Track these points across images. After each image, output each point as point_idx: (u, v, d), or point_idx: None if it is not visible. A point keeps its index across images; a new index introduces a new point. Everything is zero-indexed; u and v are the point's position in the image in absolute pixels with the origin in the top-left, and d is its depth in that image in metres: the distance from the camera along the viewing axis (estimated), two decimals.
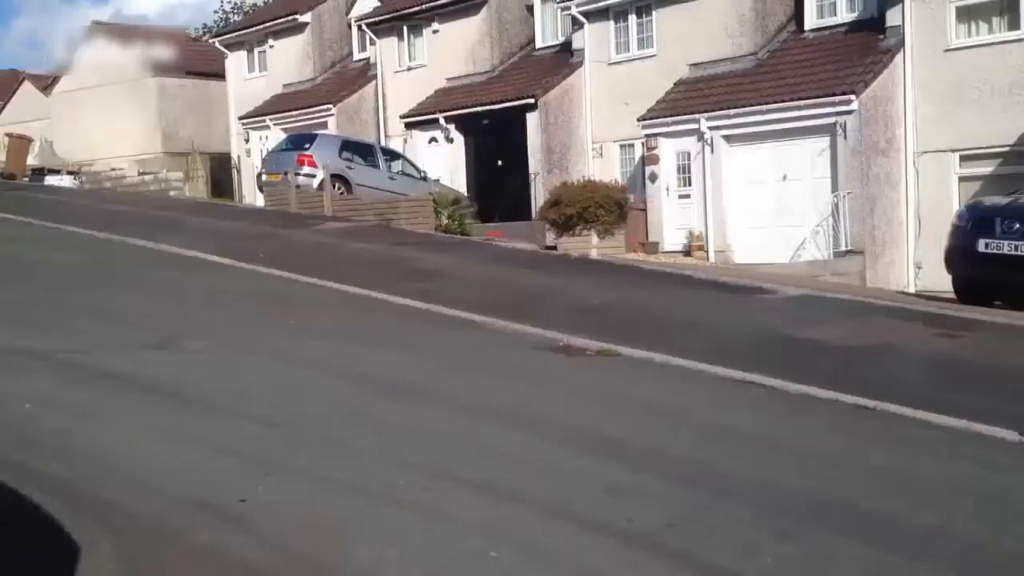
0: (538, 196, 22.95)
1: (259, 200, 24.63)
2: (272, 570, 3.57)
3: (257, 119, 31.91)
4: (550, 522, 4.03)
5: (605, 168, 23.04)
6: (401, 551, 3.72)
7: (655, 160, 21.10)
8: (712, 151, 20.12)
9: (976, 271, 11.33)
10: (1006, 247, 10.84)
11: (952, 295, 12.02)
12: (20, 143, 32.17)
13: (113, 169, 34.94)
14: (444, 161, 26.11)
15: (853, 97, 17.95)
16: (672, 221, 20.90)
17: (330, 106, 29.61)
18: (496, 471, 4.62)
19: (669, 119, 20.82)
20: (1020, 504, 4.44)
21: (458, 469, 4.64)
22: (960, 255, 11.58)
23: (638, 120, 21.22)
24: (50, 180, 30.31)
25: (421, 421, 5.53)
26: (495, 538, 3.84)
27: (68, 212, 17.00)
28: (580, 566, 3.63)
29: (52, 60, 42.34)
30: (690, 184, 20.73)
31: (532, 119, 23.92)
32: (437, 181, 23.28)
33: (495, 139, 25.12)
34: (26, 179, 30.09)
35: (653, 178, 21.13)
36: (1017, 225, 10.83)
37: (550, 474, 4.63)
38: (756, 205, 19.66)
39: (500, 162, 25.39)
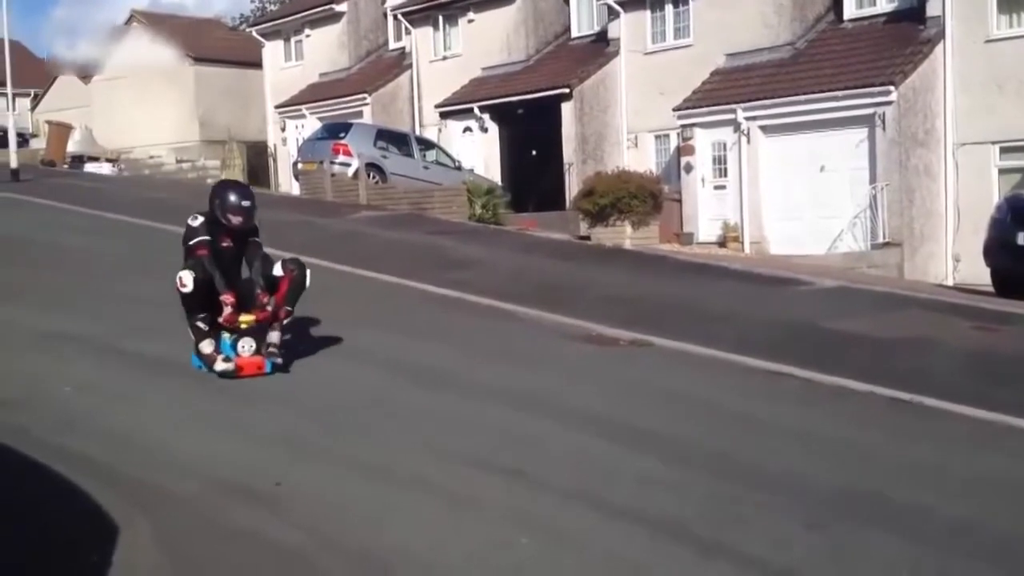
0: (572, 186, 22.86)
1: (295, 188, 24.78)
2: (303, 553, 3.62)
3: (293, 108, 32.07)
4: (580, 510, 4.04)
5: (640, 158, 22.91)
6: (431, 537, 3.75)
7: (690, 150, 20.96)
8: (748, 141, 19.94)
9: (1015, 264, 11.20)
10: None
11: (991, 288, 11.88)
12: (60, 131, 32.57)
13: (151, 157, 35.29)
14: (478, 150, 26.10)
15: (892, 88, 17.71)
16: (707, 212, 20.75)
17: (365, 95, 29.68)
18: (527, 459, 4.64)
19: (705, 109, 20.67)
20: None
21: (489, 457, 4.67)
22: (999, 248, 11.45)
23: (673, 110, 21.07)
24: (89, 167, 30.64)
25: (453, 409, 5.57)
26: (525, 525, 3.86)
27: (107, 199, 17.20)
28: (610, 555, 3.64)
29: (78, 54, 42.30)
30: (726, 175, 20.56)
31: (567, 109, 23.84)
32: (471, 170, 23.29)
33: (529, 129, 25.06)
34: (66, 166, 30.47)
35: (688, 168, 21.01)
36: None
37: (581, 463, 4.64)
38: (792, 196, 19.45)
39: (534, 152, 25.34)
